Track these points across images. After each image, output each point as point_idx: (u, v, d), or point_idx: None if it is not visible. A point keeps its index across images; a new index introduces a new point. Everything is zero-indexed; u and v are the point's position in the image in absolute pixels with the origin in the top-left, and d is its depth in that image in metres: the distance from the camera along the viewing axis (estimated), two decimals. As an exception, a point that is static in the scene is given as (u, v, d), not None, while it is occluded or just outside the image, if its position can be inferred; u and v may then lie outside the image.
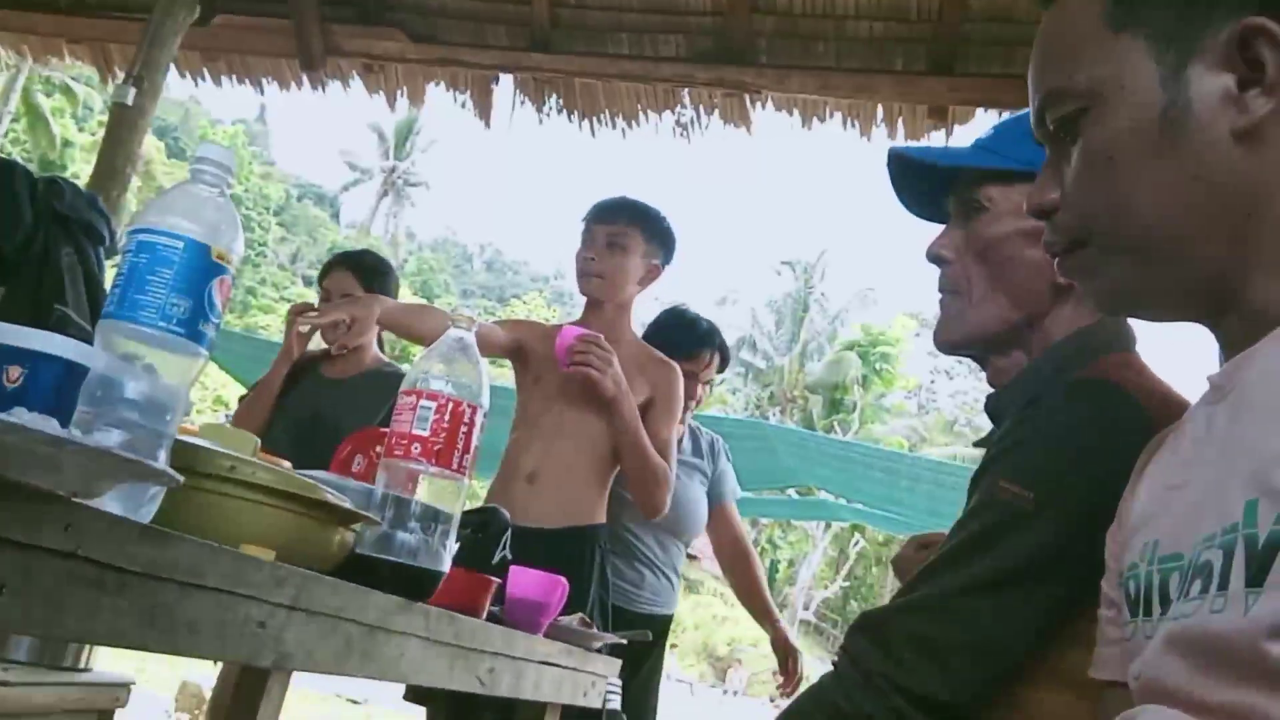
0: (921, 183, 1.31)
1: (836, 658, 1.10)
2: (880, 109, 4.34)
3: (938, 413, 51.43)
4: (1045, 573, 1.04)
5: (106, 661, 4.50)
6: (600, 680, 1.93)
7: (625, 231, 2.69)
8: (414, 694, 2.60)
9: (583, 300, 2.81)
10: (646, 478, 2.61)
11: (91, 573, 0.73)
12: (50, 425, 0.69)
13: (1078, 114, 0.86)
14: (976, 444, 1.29)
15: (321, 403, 3.10)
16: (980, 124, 4.22)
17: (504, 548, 1.73)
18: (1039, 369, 1.21)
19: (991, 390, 1.28)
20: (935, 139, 4.30)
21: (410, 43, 4.65)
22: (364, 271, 3.23)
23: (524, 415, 2.71)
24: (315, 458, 2.21)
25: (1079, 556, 1.01)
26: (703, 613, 34.72)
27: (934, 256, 1.28)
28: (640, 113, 4.63)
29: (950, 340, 1.28)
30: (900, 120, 4.32)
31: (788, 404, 41.72)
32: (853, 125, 4.41)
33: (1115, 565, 0.94)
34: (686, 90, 4.51)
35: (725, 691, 29.15)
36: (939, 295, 1.29)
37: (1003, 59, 4.10)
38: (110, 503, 0.83)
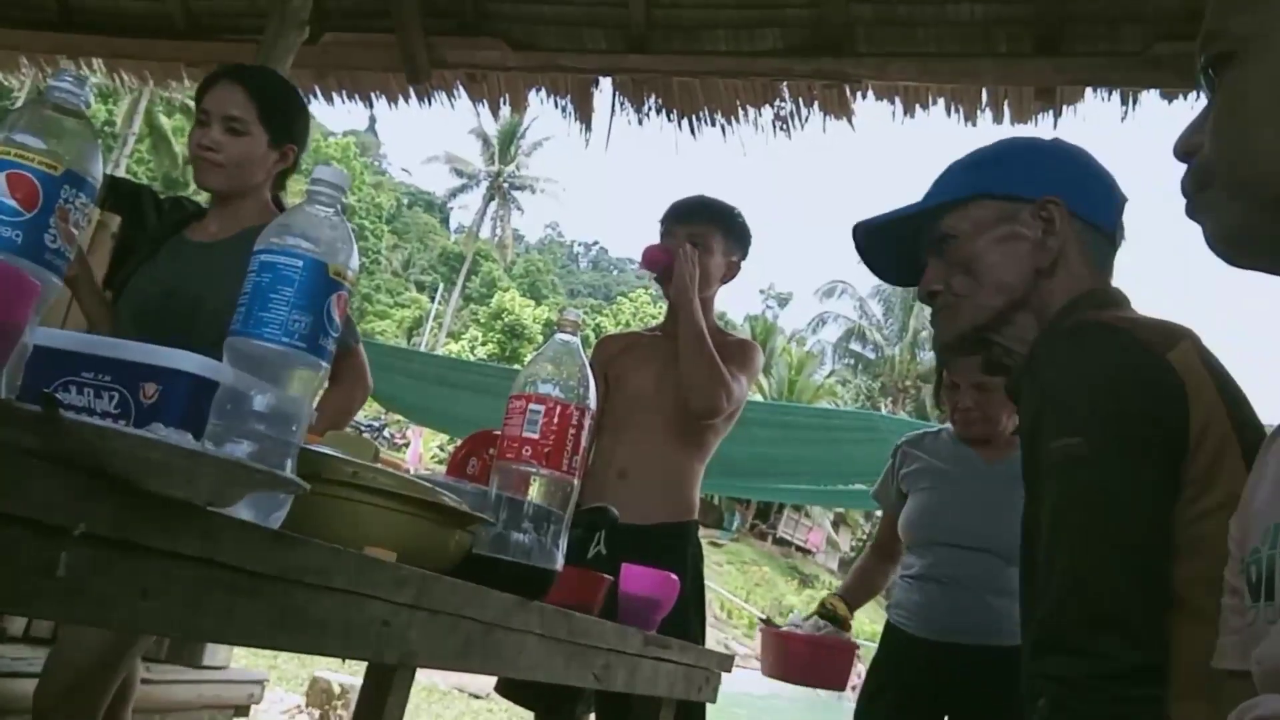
0: (890, 248, 1.48)
1: (1036, 693, 1.11)
2: (985, 93, 4.25)
3: (1056, 399, 50.01)
4: (1134, 491, 1.10)
5: (241, 659, 4.67)
6: (714, 675, 1.95)
7: (706, 231, 2.73)
8: (505, 687, 2.64)
9: None
10: (705, 369, 2.58)
11: (226, 577, 0.77)
12: (185, 439, 0.73)
13: (1226, 56, 0.87)
14: (1014, 433, 1.37)
15: (180, 274, 2.30)
16: (1090, 105, 4.09)
17: (598, 544, 1.75)
18: (1040, 339, 1.30)
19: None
20: (1043, 122, 4.19)
21: (511, 50, 4.71)
22: (261, 96, 2.31)
23: (611, 414, 2.73)
24: (167, 344, 1.97)
25: (1151, 461, 1.10)
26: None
27: (925, 294, 1.41)
28: (739, 109, 4.61)
29: (946, 341, 1.40)
30: (1006, 104, 4.23)
31: (899, 394, 41.11)
32: (956, 111, 4.32)
33: (1237, 551, 0.92)
34: (785, 84, 4.49)
35: (851, 686, 28.81)
36: (930, 321, 1.44)
37: (1110, 37, 3.97)
38: (243, 510, 0.88)
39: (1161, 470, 1.11)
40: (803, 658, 2.57)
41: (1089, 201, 1.36)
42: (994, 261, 1.34)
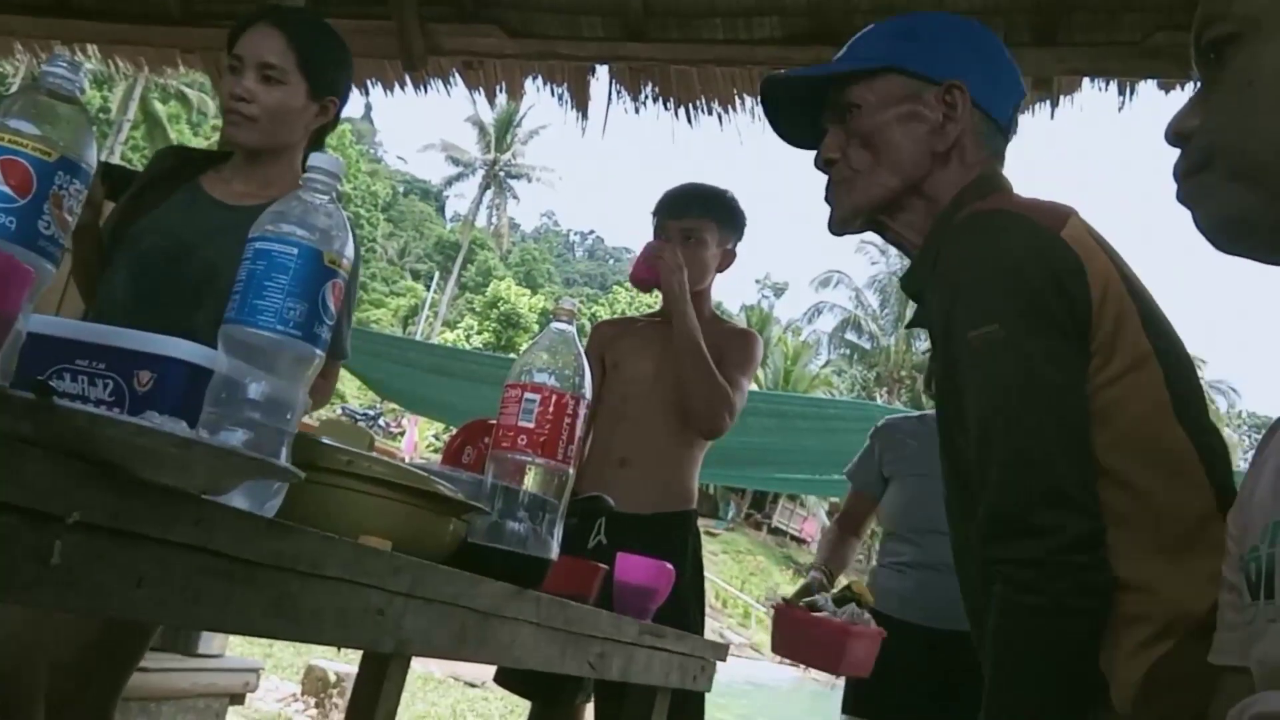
0: (794, 110, 1.45)
1: (995, 576, 1.12)
2: (982, 83, 4.24)
3: (1051, 390, 50.07)
4: (1057, 368, 1.13)
5: (237, 648, 4.68)
6: (710, 665, 1.95)
7: (699, 224, 2.71)
8: (504, 677, 2.64)
9: None
10: (705, 387, 2.57)
11: (222, 565, 0.77)
12: (179, 427, 0.73)
13: (1229, 38, 0.86)
14: (910, 325, 1.39)
15: (196, 231, 2.00)
16: (1087, 95, 4.09)
17: (599, 533, 1.75)
18: (935, 232, 1.32)
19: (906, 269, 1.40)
20: (1040, 111, 4.19)
21: (508, 38, 4.69)
22: (301, 41, 2.04)
23: (608, 401, 2.71)
24: (169, 310, 1.87)
25: (1064, 335, 1.13)
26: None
27: (821, 161, 1.40)
28: (736, 97, 4.60)
29: (840, 216, 1.39)
30: (1003, 93, 4.22)
31: (895, 384, 41.14)
32: (954, 100, 4.32)
33: (1236, 549, 0.92)
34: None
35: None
36: (825, 191, 1.41)
37: (1108, 26, 3.96)
38: (238, 498, 0.87)
39: (1076, 344, 1.14)
40: (835, 644, 2.50)
41: (993, 92, 1.37)
42: (893, 140, 1.34)
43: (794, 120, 1.47)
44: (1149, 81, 3.90)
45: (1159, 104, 3.84)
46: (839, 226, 1.41)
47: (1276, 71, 0.82)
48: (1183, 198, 0.91)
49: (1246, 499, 0.92)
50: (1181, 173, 0.90)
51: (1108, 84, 4.00)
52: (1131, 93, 3.97)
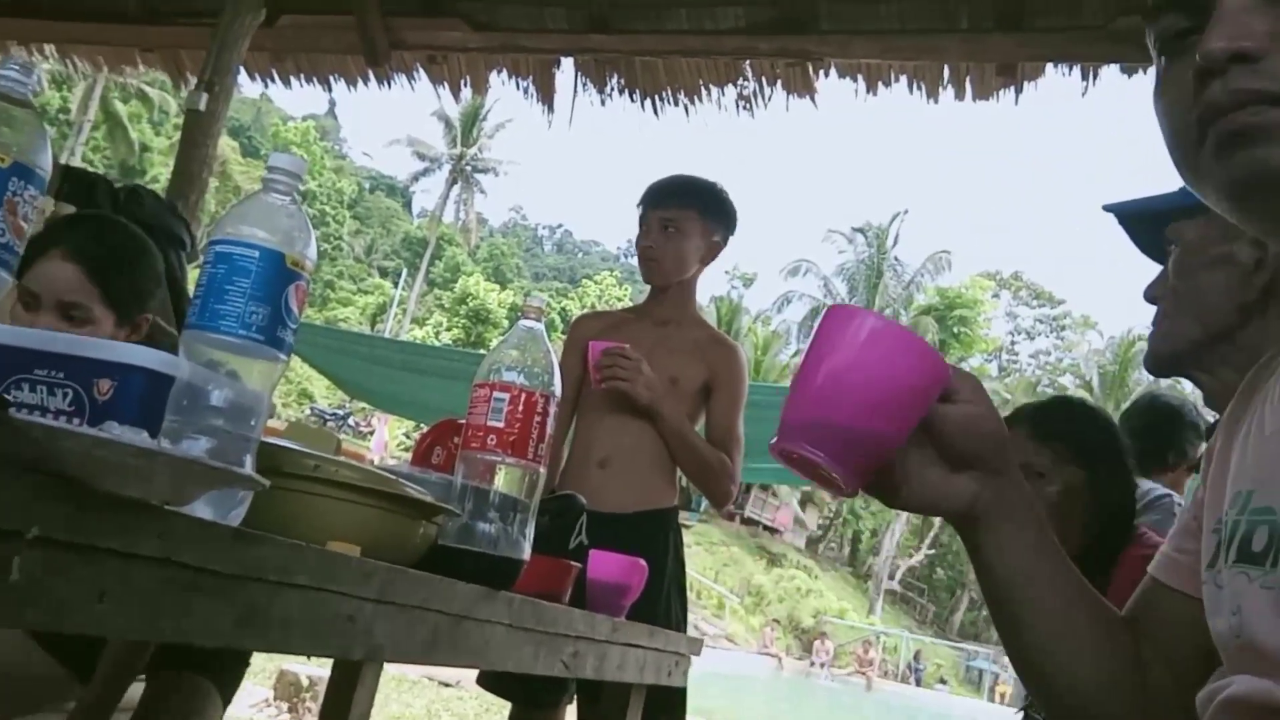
0: (1145, 234, 1.39)
1: None
2: (946, 70, 4.26)
3: (1019, 375, 50.56)
4: None
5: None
6: (684, 659, 1.95)
7: (680, 214, 2.68)
8: (486, 680, 2.63)
9: None
10: (704, 473, 2.61)
11: (186, 577, 0.76)
12: (140, 437, 0.71)
13: None
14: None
15: None
16: (1051, 80, 4.12)
17: (580, 533, 1.75)
18: None
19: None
20: (1005, 97, 4.21)
21: (471, 31, 4.67)
22: (99, 268, 1.86)
23: (589, 401, 2.69)
24: None
25: None
26: (787, 585, 34.70)
27: (1148, 298, 1.34)
28: (702, 88, 4.60)
29: (1150, 364, 1.34)
30: (969, 80, 4.24)
31: (865, 372, 41.25)
32: (919, 88, 4.34)
33: (1195, 509, 0.94)
34: (749, 62, 4.48)
35: (813, 664, 29.12)
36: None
37: (1069, 10, 3.99)
38: (201, 508, 0.86)
39: None
40: None
41: None
42: (1198, 284, 1.25)
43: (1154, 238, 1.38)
44: (1111, 66, 3.93)
45: (1122, 87, 3.86)
46: (1154, 369, 1.35)
47: None
48: (1244, 129, 0.71)
49: (1220, 469, 0.91)
50: (1253, 99, 0.71)
51: (1071, 69, 4.03)
52: (1094, 77, 4.01)
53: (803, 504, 40.31)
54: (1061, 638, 0.93)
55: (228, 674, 1.97)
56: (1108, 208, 1.45)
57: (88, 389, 0.94)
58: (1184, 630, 0.92)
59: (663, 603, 2.50)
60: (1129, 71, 3.86)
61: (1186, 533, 0.96)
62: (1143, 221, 1.40)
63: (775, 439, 0.87)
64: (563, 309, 43.40)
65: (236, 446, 0.90)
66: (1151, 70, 0.86)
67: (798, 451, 0.87)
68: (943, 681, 34.73)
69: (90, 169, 3.62)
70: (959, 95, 4.28)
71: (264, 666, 6.52)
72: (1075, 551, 1.57)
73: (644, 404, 2.53)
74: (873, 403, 0.84)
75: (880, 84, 4.39)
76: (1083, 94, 4.09)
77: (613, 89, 4.68)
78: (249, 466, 0.91)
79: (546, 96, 4.80)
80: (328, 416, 27.27)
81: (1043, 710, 1.01)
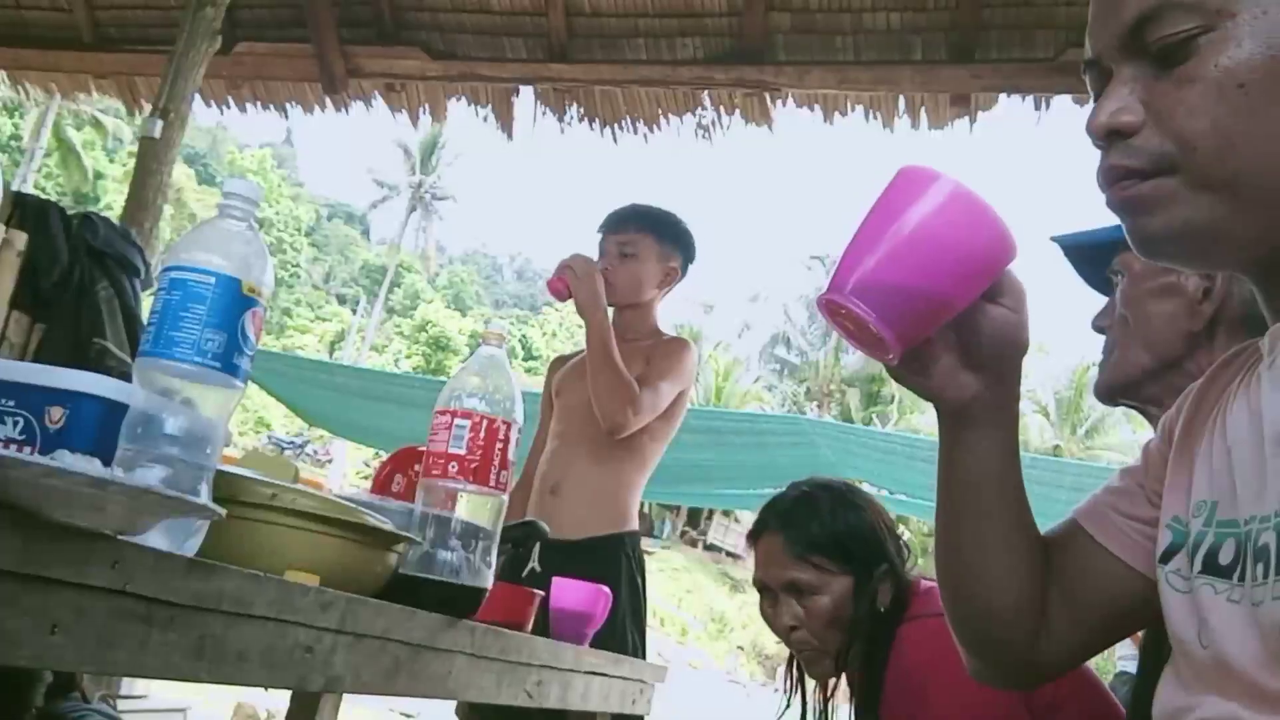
0: (1088, 265, 1.44)
1: None
2: (902, 100, 4.32)
3: (977, 399, 50.86)
4: None
5: (163, 687, 4.55)
6: (648, 687, 1.94)
7: (635, 239, 2.72)
8: (465, 709, 2.60)
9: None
10: (611, 390, 2.52)
11: (140, 608, 0.74)
12: (93, 466, 0.70)
13: (1194, 33, 0.76)
14: None
15: None
16: (1004, 110, 4.19)
17: (533, 561, 1.74)
18: None
19: None
20: (959, 127, 4.27)
21: (430, 60, 4.68)
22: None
23: (551, 430, 2.74)
24: None
25: None
26: (750, 611, 34.63)
27: (1095, 328, 1.38)
28: (661, 117, 4.63)
29: (1102, 392, 1.36)
30: (923, 110, 4.30)
31: (824, 398, 41.53)
32: (875, 118, 4.39)
33: (1142, 476, 0.94)
34: (706, 92, 4.51)
35: (777, 690, 28.99)
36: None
37: (1023, 43, 4.07)
38: (156, 538, 0.84)
39: None
40: None
41: None
42: (1145, 314, 1.28)
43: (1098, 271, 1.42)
44: (1063, 96, 4.01)
45: (1074, 116, 3.93)
46: (1103, 397, 1.38)
47: (1267, 69, 0.74)
48: (1122, 203, 0.80)
49: (1171, 434, 0.91)
50: (1123, 175, 0.79)
51: (1024, 99, 4.11)
52: (1046, 107, 4.08)
53: (764, 530, 40.21)
54: (1000, 555, 0.94)
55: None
56: (1054, 239, 1.47)
57: (39, 417, 0.93)
58: (1098, 580, 0.94)
59: (619, 629, 2.48)
60: (1080, 102, 3.93)
61: (1128, 495, 0.95)
62: (1088, 252, 1.42)
63: (824, 292, 0.83)
64: (523, 336, 43.29)
65: (192, 475, 0.89)
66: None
67: (847, 306, 0.81)
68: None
69: (43, 195, 3.57)
70: (914, 124, 4.33)
71: (222, 698, 6.41)
72: (854, 641, 1.59)
73: (579, 302, 2.53)
74: (945, 267, 0.81)
75: (837, 113, 4.44)
76: (1036, 124, 4.18)
77: (572, 117, 4.70)
78: (205, 495, 0.89)
79: (506, 124, 4.81)
80: (285, 444, 26.97)
81: (953, 631, 1.00)
